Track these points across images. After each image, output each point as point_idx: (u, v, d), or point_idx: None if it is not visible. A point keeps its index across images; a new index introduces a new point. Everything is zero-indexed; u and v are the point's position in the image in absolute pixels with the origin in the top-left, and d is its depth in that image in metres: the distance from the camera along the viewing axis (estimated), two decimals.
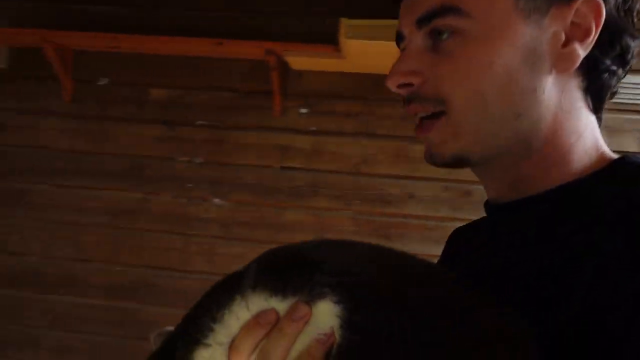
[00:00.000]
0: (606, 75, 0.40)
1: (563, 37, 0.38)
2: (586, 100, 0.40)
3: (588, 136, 0.40)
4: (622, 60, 0.39)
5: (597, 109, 0.42)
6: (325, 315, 0.33)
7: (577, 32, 0.38)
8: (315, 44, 1.50)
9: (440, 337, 0.31)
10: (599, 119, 0.42)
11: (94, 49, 1.73)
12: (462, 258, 0.46)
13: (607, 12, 0.37)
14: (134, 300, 1.71)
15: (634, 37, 0.39)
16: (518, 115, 0.38)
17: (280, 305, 0.34)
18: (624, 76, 0.41)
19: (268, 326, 0.33)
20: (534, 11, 0.38)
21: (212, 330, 0.36)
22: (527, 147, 0.39)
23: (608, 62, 0.39)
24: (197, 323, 0.36)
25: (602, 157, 0.40)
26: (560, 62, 0.38)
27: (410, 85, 0.40)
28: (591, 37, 0.38)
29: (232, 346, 0.34)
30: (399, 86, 0.40)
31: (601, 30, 0.38)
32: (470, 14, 0.37)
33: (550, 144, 0.39)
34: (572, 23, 0.38)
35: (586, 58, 0.38)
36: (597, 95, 0.41)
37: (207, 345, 0.36)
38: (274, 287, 0.35)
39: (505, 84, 0.38)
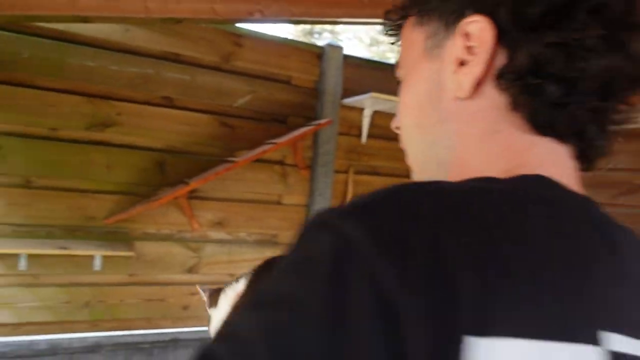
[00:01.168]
0: (531, 91, 0.35)
1: (456, 64, 0.38)
2: (513, 120, 0.37)
3: (503, 159, 0.37)
4: (562, 76, 0.34)
5: (547, 130, 0.36)
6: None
7: (471, 56, 0.37)
8: None
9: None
10: (575, 138, 0.37)
11: None
12: None
13: (501, 26, 0.36)
14: None
15: (560, 46, 0.34)
16: (433, 143, 0.41)
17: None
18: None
19: None
20: (436, 47, 0.40)
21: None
22: (445, 172, 0.41)
23: (529, 78, 0.35)
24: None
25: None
26: (455, 88, 0.38)
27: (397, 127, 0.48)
28: (476, 57, 0.36)
29: None
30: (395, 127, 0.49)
31: (505, 46, 0.36)
32: (400, 64, 0.45)
33: (460, 168, 0.39)
34: (467, 47, 0.37)
35: (503, 77, 0.36)
36: (536, 115, 0.36)
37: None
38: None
39: (418, 117, 0.42)
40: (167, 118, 2.09)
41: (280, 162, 2.36)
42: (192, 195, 2.15)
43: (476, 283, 0.26)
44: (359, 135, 2.52)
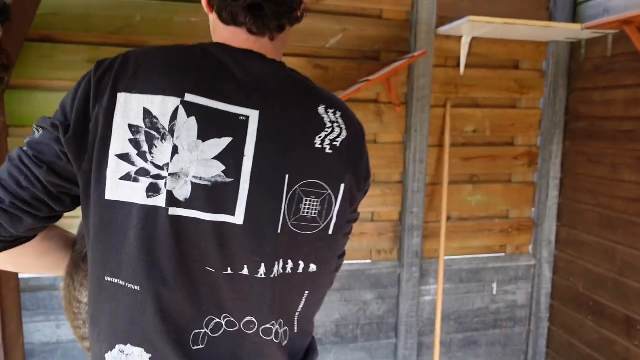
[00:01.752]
0: (217, 6, 0.72)
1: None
2: (218, 21, 0.73)
3: (214, 39, 0.74)
4: None
5: (229, 23, 0.71)
6: None
7: None
8: None
9: None
10: (239, 25, 0.71)
11: None
12: None
13: None
14: None
15: None
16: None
17: None
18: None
19: None
20: None
21: None
22: None
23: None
24: None
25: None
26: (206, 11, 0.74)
27: None
28: None
29: None
30: None
31: None
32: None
33: None
34: None
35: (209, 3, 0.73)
36: (221, 16, 0.72)
37: None
38: None
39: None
40: None
41: (375, 100, 2.35)
42: None
43: (128, 72, 0.63)
44: (457, 66, 2.40)
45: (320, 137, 0.67)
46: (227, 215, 0.62)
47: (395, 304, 2.49)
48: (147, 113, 0.61)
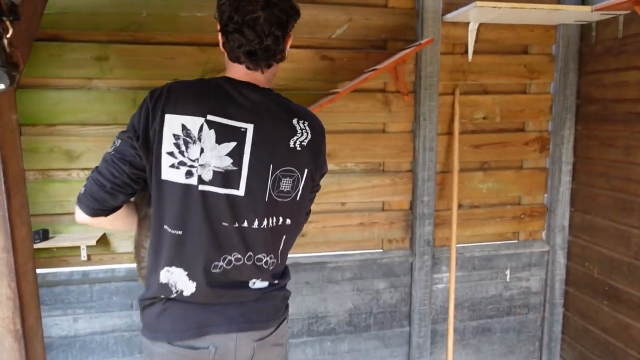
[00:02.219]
0: (227, 51, 1.06)
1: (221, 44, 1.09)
2: (229, 60, 1.09)
3: (227, 68, 1.10)
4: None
5: (233, 60, 1.08)
6: None
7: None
8: None
9: None
10: (241, 63, 1.07)
11: None
12: None
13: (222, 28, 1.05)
14: None
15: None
16: None
17: None
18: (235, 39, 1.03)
19: None
20: None
21: None
22: None
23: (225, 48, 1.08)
24: None
25: None
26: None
27: None
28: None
29: None
30: None
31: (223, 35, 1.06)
32: None
33: None
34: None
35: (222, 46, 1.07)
36: (230, 57, 1.07)
37: None
38: None
39: None
40: None
41: (382, 90, 2.34)
42: None
43: (171, 101, 1.00)
44: (464, 53, 2.38)
45: (293, 139, 1.05)
46: (234, 190, 1.03)
47: (407, 292, 2.49)
48: (183, 127, 1.00)
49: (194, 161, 1.00)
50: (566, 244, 2.62)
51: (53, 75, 2.01)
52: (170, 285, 1.04)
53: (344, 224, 2.38)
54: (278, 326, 1.15)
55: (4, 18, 0.94)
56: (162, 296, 1.05)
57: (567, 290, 2.65)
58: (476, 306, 2.60)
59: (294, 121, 1.06)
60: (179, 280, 1.04)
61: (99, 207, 1.04)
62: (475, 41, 2.30)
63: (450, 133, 2.43)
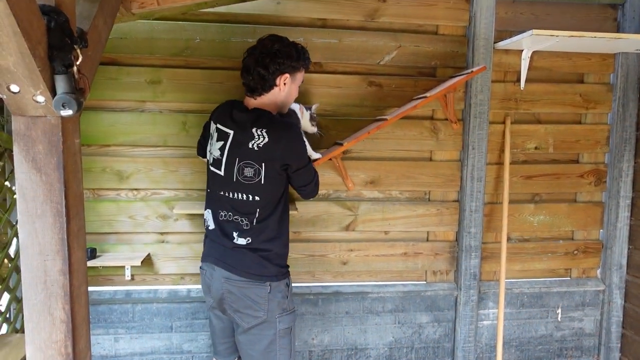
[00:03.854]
0: (244, 83, 1.65)
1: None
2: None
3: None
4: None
5: (246, 91, 1.64)
6: None
7: None
8: None
9: None
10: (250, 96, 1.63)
11: None
12: None
13: None
14: None
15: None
16: None
17: None
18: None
19: None
20: None
21: None
22: None
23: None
24: None
25: None
26: None
27: None
28: None
29: None
30: None
31: None
32: None
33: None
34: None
35: None
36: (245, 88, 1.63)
37: None
38: None
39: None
40: (318, 83, 2.16)
41: (430, 117, 2.29)
42: (346, 156, 2.22)
43: (214, 115, 1.69)
44: (516, 81, 2.31)
45: (251, 142, 1.50)
46: (219, 170, 1.58)
47: (451, 327, 2.38)
48: (214, 129, 1.62)
49: (210, 151, 1.63)
50: (624, 283, 2.45)
51: (109, 98, 2.07)
52: (206, 220, 1.67)
53: (387, 254, 2.31)
54: (252, 283, 1.53)
55: (75, 46, 0.96)
56: (205, 228, 1.69)
57: (625, 334, 2.47)
58: (524, 346, 2.46)
59: (253, 130, 1.49)
60: (208, 218, 1.65)
61: None
62: (528, 69, 2.24)
63: (499, 163, 2.34)
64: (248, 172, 1.51)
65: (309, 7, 2.11)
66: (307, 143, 1.67)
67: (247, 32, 2.09)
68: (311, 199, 2.07)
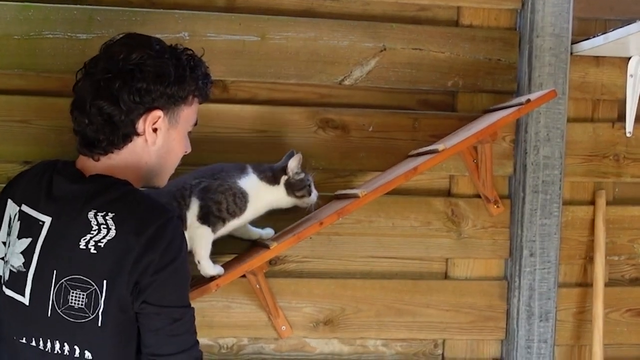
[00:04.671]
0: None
1: None
2: None
3: None
4: None
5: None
6: None
7: None
8: None
9: None
10: None
11: None
12: None
13: None
14: None
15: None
16: None
17: None
18: None
19: None
20: None
21: None
22: None
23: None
24: None
25: None
26: None
27: None
28: None
29: None
30: None
31: None
32: None
33: None
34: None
35: None
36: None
37: None
38: None
39: None
40: (217, 121, 1.41)
41: (446, 192, 1.36)
42: (275, 269, 1.38)
43: (14, 182, 0.99)
44: (617, 121, 1.36)
45: (85, 239, 0.88)
46: (20, 295, 0.99)
47: None
48: (12, 216, 1.04)
49: (4, 259, 0.97)
50: None
51: None
52: None
53: None
54: None
55: None
56: None
57: None
58: None
59: (90, 214, 0.88)
60: None
61: None
62: None
63: (585, 284, 1.37)
64: (76, 298, 0.88)
65: None
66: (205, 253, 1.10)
67: (77, 22, 1.25)
68: None
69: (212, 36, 1.27)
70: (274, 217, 1.25)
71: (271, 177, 1.17)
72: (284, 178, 1.17)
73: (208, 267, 1.13)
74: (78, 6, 1.21)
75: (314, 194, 1.17)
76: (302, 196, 1.18)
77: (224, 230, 1.12)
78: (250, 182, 1.14)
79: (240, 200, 1.12)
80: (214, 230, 1.10)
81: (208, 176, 1.15)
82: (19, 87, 1.23)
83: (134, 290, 0.87)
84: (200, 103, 1.02)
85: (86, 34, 1.23)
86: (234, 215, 1.11)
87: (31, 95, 1.23)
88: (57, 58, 1.22)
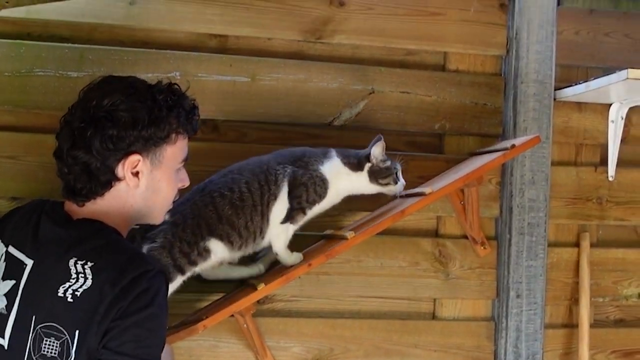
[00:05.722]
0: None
1: None
2: None
3: None
4: None
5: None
6: None
7: None
8: None
9: None
10: None
11: None
12: None
13: None
14: None
15: None
16: None
17: None
18: None
19: None
20: None
21: None
22: None
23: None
24: None
25: None
26: None
27: None
28: None
29: None
30: None
31: None
32: None
33: None
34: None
35: None
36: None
37: None
38: None
39: None
40: (205, 159, 1.36)
41: (433, 233, 1.35)
42: (263, 308, 1.31)
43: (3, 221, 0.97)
44: (600, 165, 1.36)
45: (64, 287, 0.85)
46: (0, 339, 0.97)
47: None
48: None
49: None
50: None
51: None
52: None
53: None
54: None
55: None
56: None
57: None
58: None
59: (71, 262, 0.85)
60: None
61: None
62: (622, 141, 1.32)
63: (570, 325, 1.35)
64: (49, 346, 0.84)
65: (193, 13, 1.28)
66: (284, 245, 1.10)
67: (68, 60, 1.24)
68: None
69: (204, 76, 1.27)
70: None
71: (355, 164, 1.14)
72: (367, 165, 1.15)
73: (287, 258, 1.13)
74: (70, 45, 1.22)
75: (401, 182, 1.14)
76: (387, 184, 1.16)
77: (305, 219, 1.10)
78: (332, 167, 1.12)
79: (320, 187, 1.10)
80: (293, 223, 1.09)
81: (291, 161, 1.12)
82: (9, 124, 1.22)
83: (102, 340, 0.83)
84: (189, 137, 0.98)
85: (77, 72, 1.22)
86: (313, 203, 1.10)
87: (21, 132, 1.22)
88: (47, 95, 1.21)
